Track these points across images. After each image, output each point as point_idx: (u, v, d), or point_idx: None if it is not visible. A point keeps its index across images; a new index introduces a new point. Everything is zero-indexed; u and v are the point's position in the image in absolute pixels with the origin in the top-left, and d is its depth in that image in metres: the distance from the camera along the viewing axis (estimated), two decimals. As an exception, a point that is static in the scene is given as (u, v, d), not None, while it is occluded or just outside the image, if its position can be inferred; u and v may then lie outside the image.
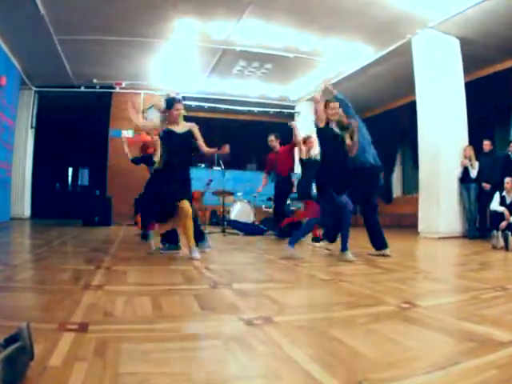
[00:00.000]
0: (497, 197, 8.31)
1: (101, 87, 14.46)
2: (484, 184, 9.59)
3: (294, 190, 9.45)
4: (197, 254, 5.50)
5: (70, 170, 20.59)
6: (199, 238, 6.07)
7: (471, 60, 10.53)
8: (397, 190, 16.95)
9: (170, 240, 6.32)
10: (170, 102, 5.75)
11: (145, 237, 7.24)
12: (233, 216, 11.61)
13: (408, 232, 11.49)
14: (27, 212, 14.44)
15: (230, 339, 2.22)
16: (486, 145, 10.09)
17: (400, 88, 13.60)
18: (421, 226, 10.20)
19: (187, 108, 15.93)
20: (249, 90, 15.26)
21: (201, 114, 16.85)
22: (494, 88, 11.47)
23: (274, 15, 9.50)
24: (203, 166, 15.63)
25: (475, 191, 9.69)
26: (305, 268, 5.06)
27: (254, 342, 2.17)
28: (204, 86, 14.80)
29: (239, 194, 12.71)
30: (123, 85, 14.40)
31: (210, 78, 14.13)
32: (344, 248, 5.75)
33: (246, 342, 2.18)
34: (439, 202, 9.68)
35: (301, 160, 8.54)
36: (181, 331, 2.48)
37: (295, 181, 9.64)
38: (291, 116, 16.58)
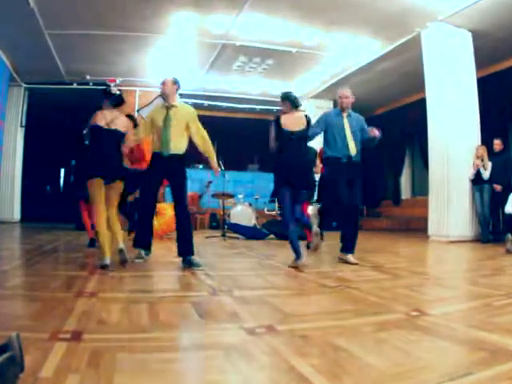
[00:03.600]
0: (511, 198, 8.29)
1: (94, 84, 14.45)
2: (495, 185, 9.57)
3: None
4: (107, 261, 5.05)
5: (62, 170, 20.56)
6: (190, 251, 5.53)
7: (484, 54, 10.50)
8: (406, 192, 16.94)
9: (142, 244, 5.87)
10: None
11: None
12: (233, 219, 11.62)
13: (417, 236, 11.48)
14: (17, 215, 14.42)
15: (230, 349, 2.22)
16: (497, 144, 10.04)
17: (409, 84, 13.60)
18: (431, 230, 10.17)
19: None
20: (250, 86, 15.21)
21: (199, 112, 16.76)
22: (508, 84, 11.44)
23: (275, 8, 9.49)
24: (201, 166, 15.63)
25: (488, 193, 9.64)
26: (309, 274, 5.06)
27: (256, 352, 2.17)
28: (202, 82, 14.78)
29: (240, 196, 12.73)
30: (117, 82, 14.39)
31: (208, 75, 14.11)
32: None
33: (247, 352, 2.19)
34: (450, 204, 9.66)
35: None
36: (179, 340, 2.49)
37: None
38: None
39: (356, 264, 5.79)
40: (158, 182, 5.79)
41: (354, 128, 6.14)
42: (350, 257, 5.95)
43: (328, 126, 6.22)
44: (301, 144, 5.72)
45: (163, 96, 5.83)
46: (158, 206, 9.31)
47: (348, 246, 6.04)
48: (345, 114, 6.21)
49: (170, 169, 5.63)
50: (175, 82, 5.80)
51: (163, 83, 5.76)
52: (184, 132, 5.73)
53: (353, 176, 6.04)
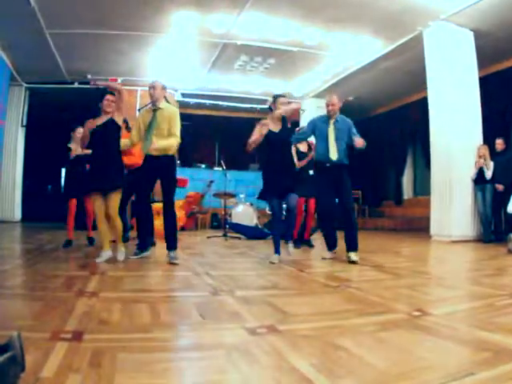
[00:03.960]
0: (514, 198, 8.26)
1: (95, 83, 14.46)
2: (497, 185, 9.55)
3: None
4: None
5: (63, 170, 20.56)
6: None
7: (486, 54, 10.50)
8: (408, 192, 16.93)
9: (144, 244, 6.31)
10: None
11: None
12: (235, 219, 11.62)
13: (419, 235, 11.47)
14: (18, 215, 14.43)
15: (232, 349, 2.22)
16: (499, 144, 10.03)
17: (411, 84, 13.60)
18: (433, 229, 10.17)
19: (186, 105, 15.97)
20: (251, 86, 15.20)
21: (200, 112, 16.87)
22: (510, 83, 11.41)
23: (276, 7, 9.48)
24: (203, 166, 15.65)
25: (490, 193, 9.63)
26: (310, 274, 5.06)
27: (258, 352, 2.17)
28: (204, 82, 14.79)
29: (241, 195, 12.73)
30: (118, 81, 14.38)
31: (210, 74, 14.11)
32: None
33: (249, 352, 2.18)
34: (452, 204, 9.66)
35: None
36: (180, 341, 2.48)
37: None
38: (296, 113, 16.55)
39: (354, 263, 5.89)
40: (149, 182, 6.02)
41: (338, 134, 6.38)
42: (350, 255, 6.07)
43: (315, 131, 6.53)
44: None
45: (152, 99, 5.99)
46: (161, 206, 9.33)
47: (348, 244, 6.20)
48: (331, 121, 6.44)
49: (158, 169, 5.86)
50: (164, 87, 6.03)
51: (154, 87, 5.95)
52: (169, 133, 5.91)
53: (339, 178, 6.31)
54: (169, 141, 5.80)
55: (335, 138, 6.32)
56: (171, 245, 5.86)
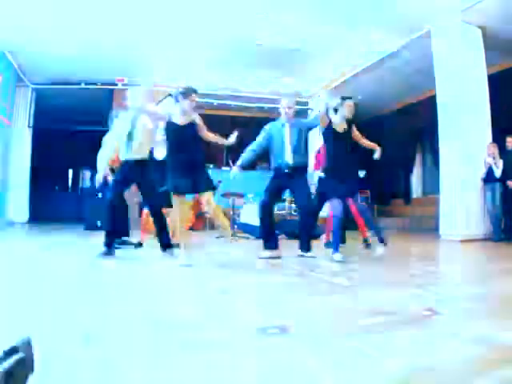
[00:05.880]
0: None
1: (102, 84, 14.47)
2: (508, 182, 9.53)
3: None
4: None
5: (71, 171, 20.65)
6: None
7: (494, 51, 10.48)
8: (417, 191, 16.89)
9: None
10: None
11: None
12: (243, 219, 11.62)
13: (428, 234, 11.45)
14: (25, 216, 14.49)
15: (242, 349, 2.22)
16: (509, 142, 10.02)
17: (419, 82, 13.58)
18: (442, 228, 10.16)
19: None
20: (259, 85, 15.19)
21: (208, 112, 16.85)
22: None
23: (285, 5, 9.49)
24: (211, 166, 15.66)
25: (500, 191, 9.61)
26: (321, 274, 5.05)
27: (269, 353, 2.17)
28: (212, 81, 14.79)
29: (250, 195, 12.72)
30: (125, 81, 14.41)
31: (217, 74, 14.12)
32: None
33: (259, 352, 2.18)
34: (461, 203, 9.63)
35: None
36: (189, 340, 2.48)
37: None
38: (304, 113, 16.51)
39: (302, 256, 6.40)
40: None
41: (295, 136, 6.54)
42: (303, 253, 6.48)
43: (270, 137, 6.67)
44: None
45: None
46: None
47: (301, 243, 6.56)
48: (287, 125, 6.58)
49: (138, 174, 6.35)
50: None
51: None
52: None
53: (295, 180, 6.49)
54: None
55: (291, 141, 6.49)
56: (166, 242, 6.37)
